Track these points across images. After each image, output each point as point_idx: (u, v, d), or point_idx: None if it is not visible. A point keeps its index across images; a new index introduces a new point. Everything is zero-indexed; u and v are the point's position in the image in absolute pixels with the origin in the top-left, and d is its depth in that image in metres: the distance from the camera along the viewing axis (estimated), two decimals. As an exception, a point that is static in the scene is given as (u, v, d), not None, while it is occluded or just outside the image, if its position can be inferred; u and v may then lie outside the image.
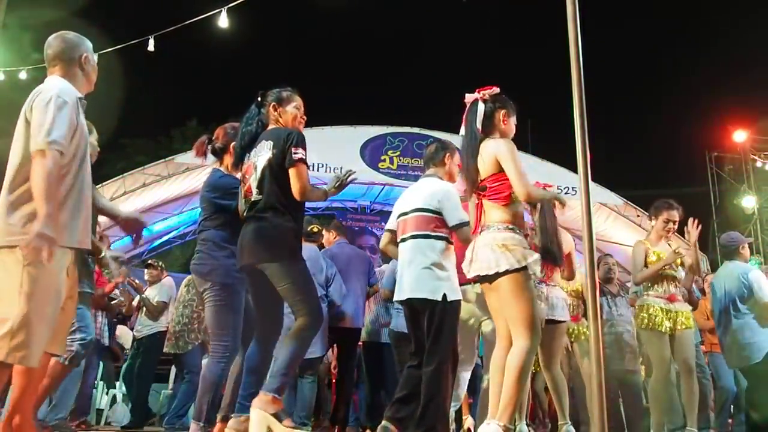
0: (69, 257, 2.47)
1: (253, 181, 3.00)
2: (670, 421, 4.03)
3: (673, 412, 4.04)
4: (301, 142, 2.95)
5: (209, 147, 3.46)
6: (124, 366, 6.30)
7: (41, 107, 2.37)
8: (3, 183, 2.42)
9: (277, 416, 2.76)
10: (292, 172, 2.91)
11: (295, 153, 2.90)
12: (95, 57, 2.77)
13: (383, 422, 3.20)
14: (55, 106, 2.37)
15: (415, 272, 3.28)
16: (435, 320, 3.21)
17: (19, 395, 2.51)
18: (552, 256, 4.03)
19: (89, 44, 2.73)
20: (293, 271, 2.90)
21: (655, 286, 4.20)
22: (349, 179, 3.15)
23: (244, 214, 3.03)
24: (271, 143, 2.99)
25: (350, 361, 5.13)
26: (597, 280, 2.78)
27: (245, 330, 3.18)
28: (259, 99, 3.19)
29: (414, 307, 3.29)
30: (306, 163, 2.93)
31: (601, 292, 4.95)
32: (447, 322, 3.22)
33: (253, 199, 2.98)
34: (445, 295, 3.21)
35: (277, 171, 2.94)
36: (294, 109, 3.17)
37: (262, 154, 3.00)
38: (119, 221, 3.05)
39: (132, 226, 3.05)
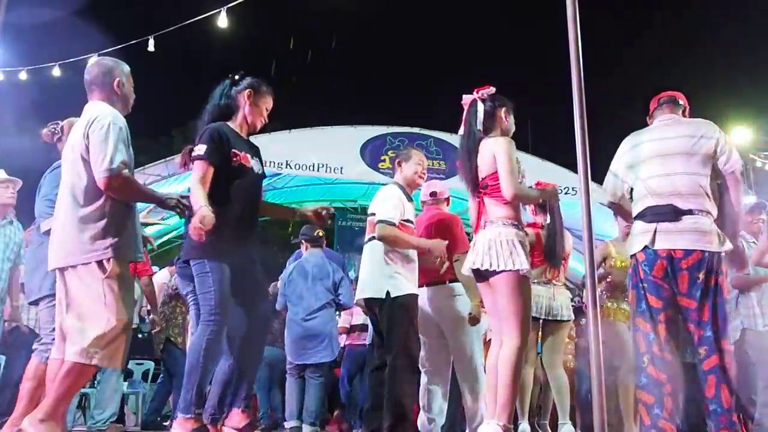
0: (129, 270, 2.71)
1: None
2: None
3: None
4: (204, 138, 2.87)
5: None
6: None
7: (101, 134, 2.59)
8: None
9: None
10: None
11: (192, 152, 2.88)
12: (131, 79, 2.89)
13: None
14: (113, 132, 2.61)
15: (363, 274, 3.46)
16: (383, 318, 3.27)
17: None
18: (555, 258, 4.06)
19: (125, 67, 2.87)
20: (203, 270, 2.84)
21: None
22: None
23: None
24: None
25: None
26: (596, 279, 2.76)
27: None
28: (237, 78, 3.07)
29: (368, 307, 3.42)
30: (202, 158, 2.84)
31: None
32: (394, 320, 3.24)
33: None
34: (388, 293, 3.24)
35: None
36: (264, 107, 3.09)
37: None
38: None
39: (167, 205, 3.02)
